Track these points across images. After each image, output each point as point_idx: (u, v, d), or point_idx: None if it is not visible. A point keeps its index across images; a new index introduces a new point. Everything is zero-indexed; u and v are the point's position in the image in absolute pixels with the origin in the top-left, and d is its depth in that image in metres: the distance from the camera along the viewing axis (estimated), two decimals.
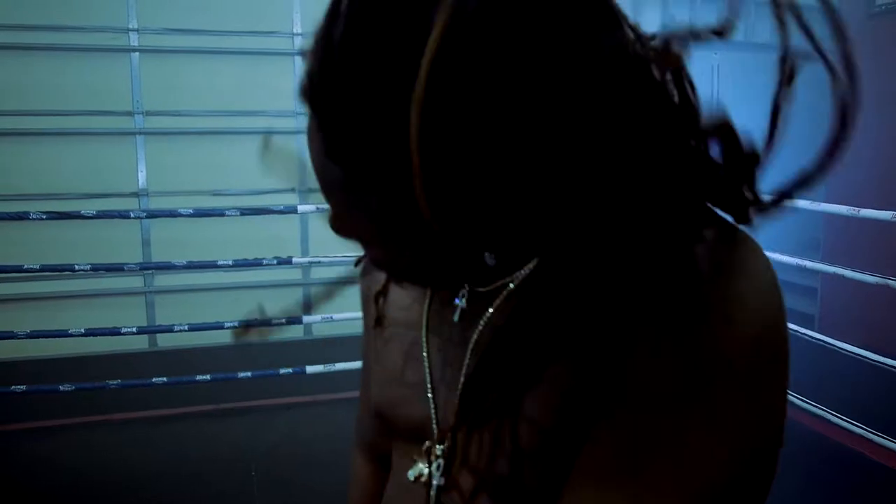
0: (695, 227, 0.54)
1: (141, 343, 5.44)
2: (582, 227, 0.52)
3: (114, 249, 5.23)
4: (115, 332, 4.12)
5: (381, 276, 0.80)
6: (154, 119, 5.72)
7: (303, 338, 5.73)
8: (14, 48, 5.28)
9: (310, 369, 4.28)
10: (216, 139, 5.79)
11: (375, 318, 0.79)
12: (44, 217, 3.85)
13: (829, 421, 3.68)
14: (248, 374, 4.20)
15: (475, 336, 0.65)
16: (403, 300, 0.75)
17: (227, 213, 4.10)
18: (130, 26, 5.60)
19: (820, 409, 3.79)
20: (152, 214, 4.62)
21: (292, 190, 5.91)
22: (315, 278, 5.93)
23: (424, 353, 0.70)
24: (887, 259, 5.40)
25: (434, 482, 0.66)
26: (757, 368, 0.52)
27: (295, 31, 5.87)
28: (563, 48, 0.50)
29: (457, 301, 0.68)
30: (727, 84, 6.81)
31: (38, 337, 4.12)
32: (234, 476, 3.62)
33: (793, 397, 3.84)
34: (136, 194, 5.58)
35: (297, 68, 5.88)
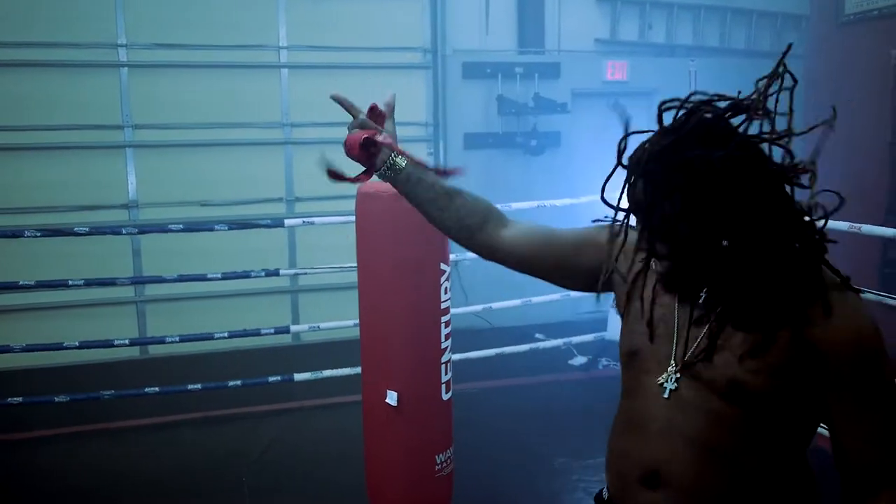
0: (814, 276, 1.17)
1: (133, 352, 5.58)
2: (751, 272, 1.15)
3: (106, 260, 5.37)
4: (107, 343, 4.25)
5: (627, 260, 1.32)
6: (143, 132, 5.85)
7: (291, 344, 5.89)
8: (5, 65, 5.41)
9: (297, 377, 4.42)
10: (205, 151, 5.91)
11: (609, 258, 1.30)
12: (38, 235, 3.96)
13: None
14: (238, 382, 4.34)
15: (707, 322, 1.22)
16: (662, 296, 1.27)
17: (216, 227, 4.22)
18: (119, 42, 5.74)
19: None
20: (143, 230, 4.76)
21: (280, 199, 6.06)
22: (302, 285, 6.09)
23: (675, 323, 1.26)
24: (844, 268, 5.54)
25: (668, 386, 1.22)
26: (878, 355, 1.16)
27: (281, 44, 5.99)
28: (755, 194, 1.12)
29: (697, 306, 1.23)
30: (702, 87, 6.96)
31: (32, 350, 4.25)
32: (225, 482, 3.75)
33: None
34: (126, 206, 5.72)
35: (282, 80, 6.02)
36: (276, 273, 4.32)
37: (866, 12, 5.76)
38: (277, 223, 4.31)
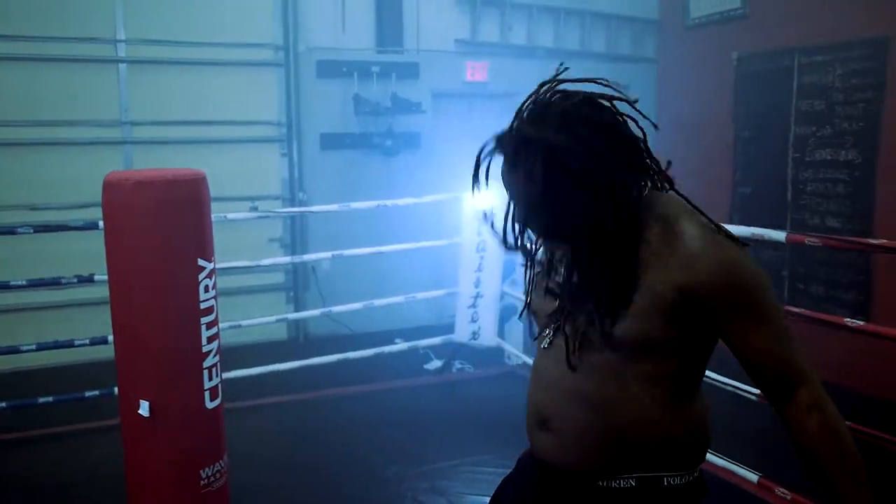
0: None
1: None
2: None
3: None
4: None
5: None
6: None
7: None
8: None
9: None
10: (35, 150, 5.51)
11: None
12: None
13: None
14: (50, 398, 3.99)
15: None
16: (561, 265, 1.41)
17: (19, 230, 3.87)
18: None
19: None
20: None
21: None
22: None
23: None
24: None
25: (545, 342, 1.38)
26: (753, 277, 1.28)
27: (118, 37, 5.63)
28: (605, 174, 1.24)
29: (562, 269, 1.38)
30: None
31: None
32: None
33: None
34: None
35: (120, 76, 5.67)
36: (90, 279, 3.99)
37: (709, 16, 5.94)
38: (91, 225, 3.98)
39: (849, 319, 2.94)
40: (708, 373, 3.26)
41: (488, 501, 1.54)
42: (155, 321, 2.09)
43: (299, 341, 6.15)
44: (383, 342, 5.27)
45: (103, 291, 5.38)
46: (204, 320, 2.17)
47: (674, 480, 1.32)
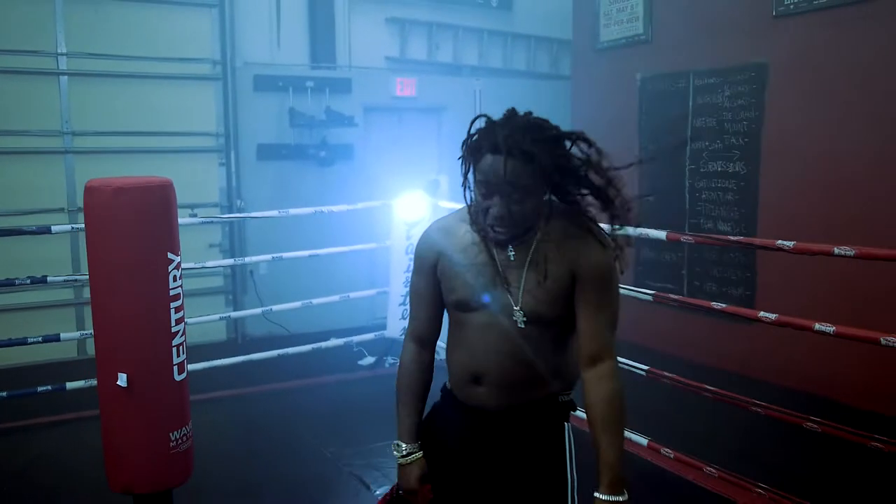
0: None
1: None
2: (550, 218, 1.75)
3: None
4: None
5: (437, 249, 1.87)
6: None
7: (77, 358, 5.75)
8: None
9: (70, 385, 4.37)
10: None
11: (438, 257, 1.86)
12: None
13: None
14: (4, 394, 4.22)
15: (528, 259, 1.77)
16: (474, 253, 1.80)
17: None
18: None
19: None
20: None
21: (62, 210, 5.91)
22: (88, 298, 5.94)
23: (501, 270, 1.78)
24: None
25: (516, 318, 1.77)
26: (615, 276, 1.80)
27: (59, 50, 5.85)
28: (553, 161, 1.70)
29: (510, 250, 1.78)
30: (487, 104, 7.54)
31: None
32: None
33: None
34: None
35: (61, 88, 5.89)
36: (42, 280, 4.24)
37: (616, 41, 6.53)
38: (44, 230, 4.24)
39: (763, 314, 3.49)
40: None
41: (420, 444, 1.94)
42: (132, 305, 2.44)
43: (238, 342, 6.45)
44: (319, 341, 5.63)
45: (57, 294, 5.69)
46: (173, 305, 2.53)
47: (563, 398, 1.89)
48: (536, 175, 1.67)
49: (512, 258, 1.78)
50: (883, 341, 2.57)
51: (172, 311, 2.54)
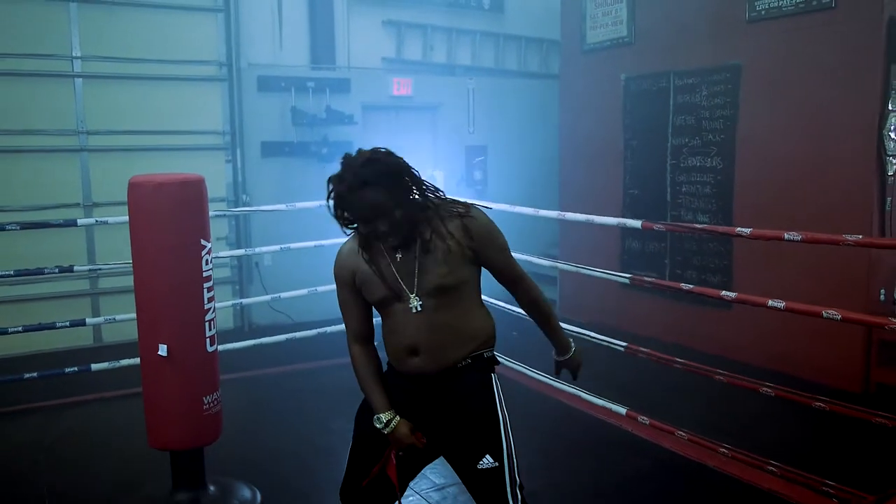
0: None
1: None
2: (407, 223, 2.11)
3: None
4: None
5: (351, 267, 2.23)
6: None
7: (94, 345, 6.10)
8: None
9: (95, 367, 4.71)
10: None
11: (354, 273, 2.22)
12: None
13: (547, 384, 4.66)
14: (35, 374, 4.56)
15: (417, 251, 2.15)
16: (376, 263, 2.16)
17: (7, 227, 4.43)
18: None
19: (542, 375, 4.74)
20: None
21: (77, 205, 6.25)
22: (103, 288, 6.30)
23: (394, 271, 2.15)
24: (592, 255, 6.68)
25: (413, 304, 2.14)
26: (495, 228, 2.24)
27: (74, 54, 6.19)
28: (391, 194, 2.08)
29: (397, 254, 2.16)
30: (480, 103, 7.88)
31: None
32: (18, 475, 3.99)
33: (521, 367, 4.82)
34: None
35: (76, 90, 6.23)
36: (70, 269, 4.58)
37: (601, 43, 6.90)
38: (70, 223, 4.58)
39: (761, 299, 3.86)
40: (587, 332, 4.16)
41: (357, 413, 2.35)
42: (171, 284, 2.81)
43: (245, 330, 6.81)
44: (323, 328, 5.96)
45: (74, 285, 6.00)
46: (205, 285, 2.90)
47: (486, 354, 2.27)
48: (380, 192, 2.02)
49: (399, 258, 2.15)
50: (825, 314, 2.94)
51: (205, 290, 2.90)
